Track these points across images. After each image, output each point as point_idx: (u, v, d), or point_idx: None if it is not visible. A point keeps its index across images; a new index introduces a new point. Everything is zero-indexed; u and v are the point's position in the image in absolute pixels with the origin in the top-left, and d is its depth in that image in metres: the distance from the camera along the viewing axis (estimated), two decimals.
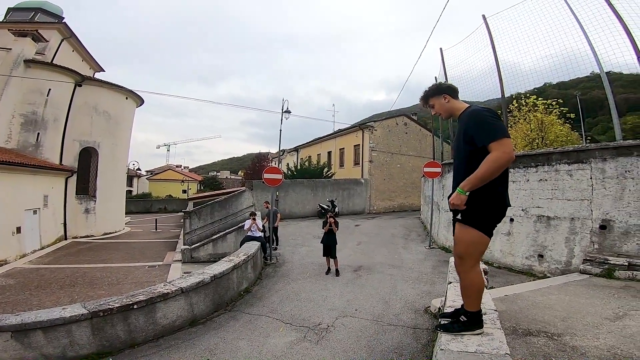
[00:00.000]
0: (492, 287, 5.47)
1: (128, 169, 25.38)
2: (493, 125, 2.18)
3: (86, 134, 17.32)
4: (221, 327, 4.70)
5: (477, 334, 2.23)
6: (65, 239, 16.01)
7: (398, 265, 8.19)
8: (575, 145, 7.19)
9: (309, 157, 27.26)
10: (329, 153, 26.46)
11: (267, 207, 10.51)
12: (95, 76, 21.46)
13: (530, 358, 2.66)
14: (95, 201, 17.59)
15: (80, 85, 16.92)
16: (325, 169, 22.81)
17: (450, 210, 2.33)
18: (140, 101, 21.40)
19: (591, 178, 6.15)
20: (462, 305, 2.38)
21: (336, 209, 18.12)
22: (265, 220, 9.92)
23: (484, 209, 2.22)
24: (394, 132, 22.42)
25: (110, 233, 18.23)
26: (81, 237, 16.57)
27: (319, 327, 4.55)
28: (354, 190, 20.32)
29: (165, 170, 56.57)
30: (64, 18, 19.76)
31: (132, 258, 12.19)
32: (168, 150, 79.84)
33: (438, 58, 11.90)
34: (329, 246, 7.56)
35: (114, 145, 18.78)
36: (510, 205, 2.33)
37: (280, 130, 13.77)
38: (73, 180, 16.71)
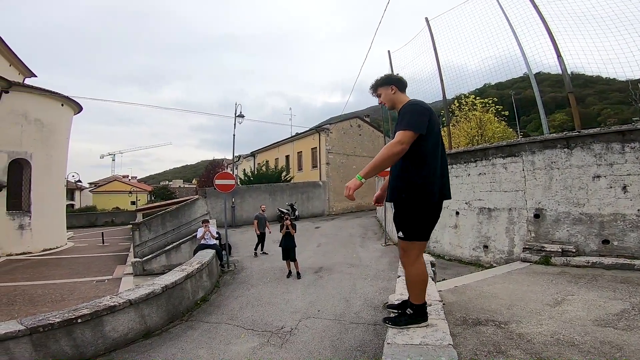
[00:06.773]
0: (443, 279, 5.72)
1: (67, 181, 23.25)
2: (410, 116, 2.23)
3: (15, 144, 15.60)
4: (178, 337, 4.52)
5: (423, 327, 2.26)
6: None
7: (356, 264, 8.33)
8: (508, 140, 7.81)
9: (267, 161, 26.89)
10: (287, 157, 26.31)
11: (263, 211, 10.90)
12: (25, 82, 19.42)
13: (481, 347, 2.72)
14: (30, 216, 15.94)
15: (7, 92, 15.21)
16: (284, 173, 22.60)
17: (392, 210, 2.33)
18: (78, 108, 19.72)
19: (523, 170, 6.66)
20: (409, 298, 2.37)
21: (296, 213, 18.04)
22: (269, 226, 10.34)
23: (421, 223, 2.29)
24: (348, 134, 22.86)
25: (51, 249, 16.62)
26: (16, 255, 14.92)
27: (282, 331, 4.51)
28: (312, 193, 20.39)
29: (111, 182, 53.14)
30: None
31: (78, 273, 11.25)
32: (113, 160, 74.69)
33: (388, 60, 12.22)
34: (288, 249, 7.51)
35: (49, 156, 17.14)
36: (449, 198, 2.40)
37: (234, 135, 13.43)
38: (3, 195, 15.02)
